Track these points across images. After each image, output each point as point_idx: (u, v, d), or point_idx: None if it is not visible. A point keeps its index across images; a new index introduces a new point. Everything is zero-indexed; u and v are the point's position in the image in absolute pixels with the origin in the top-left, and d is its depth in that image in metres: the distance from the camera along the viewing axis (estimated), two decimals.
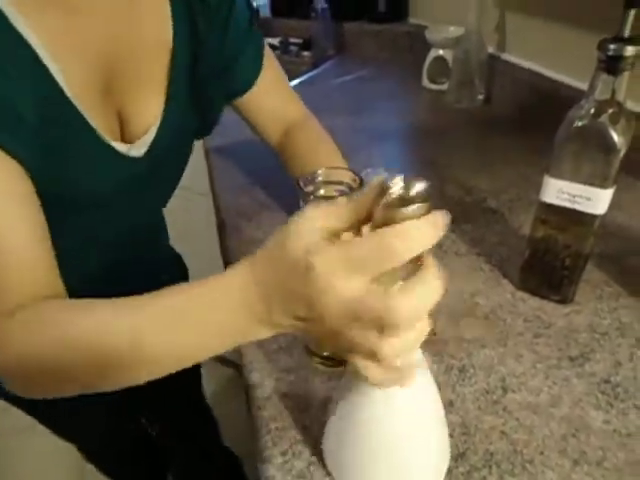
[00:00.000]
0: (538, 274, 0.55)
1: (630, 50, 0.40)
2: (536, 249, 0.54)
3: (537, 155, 0.85)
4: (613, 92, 0.42)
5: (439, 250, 0.64)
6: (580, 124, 0.45)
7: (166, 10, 0.49)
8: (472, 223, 0.69)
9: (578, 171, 0.46)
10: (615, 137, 0.43)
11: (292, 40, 1.54)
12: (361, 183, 0.41)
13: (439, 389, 0.45)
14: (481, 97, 1.09)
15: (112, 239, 0.56)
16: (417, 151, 0.94)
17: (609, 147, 0.44)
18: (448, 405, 0.44)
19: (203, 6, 0.51)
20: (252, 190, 0.79)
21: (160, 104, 0.49)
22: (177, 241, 0.83)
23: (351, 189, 0.41)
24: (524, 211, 0.70)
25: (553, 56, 0.96)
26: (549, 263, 0.53)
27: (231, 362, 1.52)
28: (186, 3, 0.50)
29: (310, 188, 0.41)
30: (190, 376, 0.91)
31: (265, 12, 1.63)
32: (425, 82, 1.18)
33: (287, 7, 1.56)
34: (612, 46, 0.41)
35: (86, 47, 0.42)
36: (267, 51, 0.61)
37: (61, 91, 0.40)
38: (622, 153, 0.44)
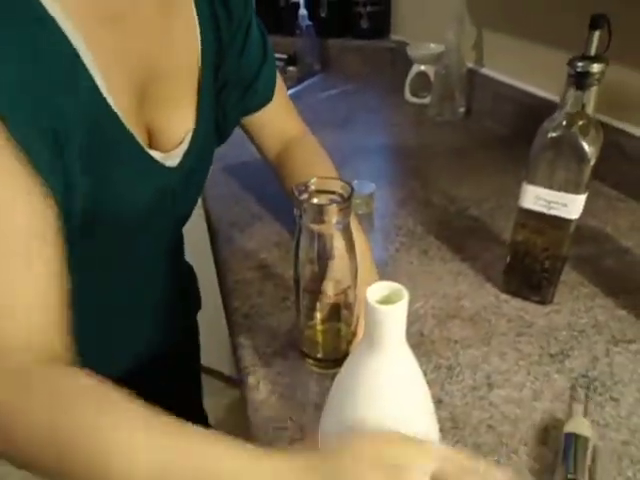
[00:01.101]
0: (519, 276, 0.58)
1: (596, 67, 0.44)
2: (517, 252, 0.57)
3: (516, 165, 0.89)
4: (583, 105, 0.46)
5: (425, 256, 0.67)
6: (554, 135, 0.48)
7: (195, 29, 0.50)
8: (456, 230, 0.72)
9: (553, 178, 0.50)
10: (586, 147, 0.47)
11: (278, 56, 1.57)
12: (352, 192, 0.44)
13: (429, 386, 0.48)
14: (462, 110, 1.13)
15: (143, 254, 0.57)
16: (402, 162, 0.97)
17: (581, 156, 0.47)
18: (438, 402, 0.47)
19: (228, 20, 0.53)
20: (245, 201, 0.82)
21: (191, 118, 0.50)
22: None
23: (343, 198, 0.43)
24: (505, 218, 0.74)
25: (528, 71, 1.01)
26: (529, 266, 0.56)
27: (233, 380, 1.52)
28: (213, 19, 0.51)
29: (304, 196, 0.43)
30: (192, 392, 0.92)
31: None
32: (407, 96, 1.22)
33: (273, 24, 1.60)
34: (580, 63, 0.44)
35: (125, 60, 0.43)
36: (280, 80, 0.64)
37: (105, 101, 0.41)
38: (592, 162, 0.47)
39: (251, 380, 0.50)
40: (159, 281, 0.63)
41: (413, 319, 0.56)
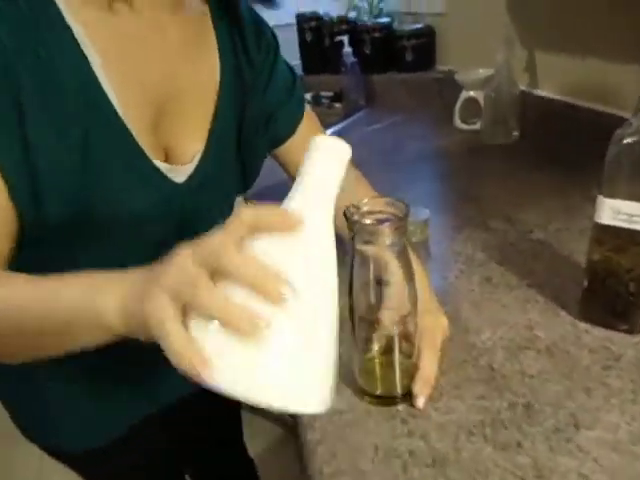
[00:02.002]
0: (600, 302, 0.52)
1: None
2: (596, 275, 0.51)
3: (578, 185, 0.83)
4: None
5: (488, 284, 0.62)
6: (630, 140, 0.44)
7: (215, 57, 0.52)
8: (520, 255, 0.67)
9: (633, 189, 0.44)
10: None
11: (324, 94, 1.60)
12: (407, 211, 0.41)
13: (504, 427, 0.42)
14: (516, 134, 1.08)
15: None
16: (455, 188, 0.93)
17: None
18: (516, 446, 0.41)
19: (248, 62, 0.55)
20: None
21: (203, 140, 0.51)
22: None
23: (397, 217, 0.41)
24: (574, 240, 0.68)
25: (583, 88, 0.96)
26: (612, 289, 0.50)
27: (280, 420, 1.48)
28: (233, 54, 0.54)
29: (356, 217, 0.40)
30: (232, 430, 0.89)
31: (297, 70, 1.71)
32: (457, 123, 1.19)
33: (319, 63, 1.64)
34: None
35: (143, 77, 0.45)
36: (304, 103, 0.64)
37: (115, 111, 0.43)
38: None
39: (305, 419, 0.46)
40: None
41: (480, 351, 0.51)
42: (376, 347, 0.47)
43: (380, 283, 0.44)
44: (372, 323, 0.45)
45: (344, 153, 0.34)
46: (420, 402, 0.45)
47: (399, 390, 0.46)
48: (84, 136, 0.41)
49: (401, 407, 0.46)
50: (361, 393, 0.48)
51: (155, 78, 0.47)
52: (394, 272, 0.43)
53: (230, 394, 0.26)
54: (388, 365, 0.47)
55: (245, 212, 0.30)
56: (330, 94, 1.59)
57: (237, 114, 0.55)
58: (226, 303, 0.27)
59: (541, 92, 1.07)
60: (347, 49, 1.48)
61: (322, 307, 0.30)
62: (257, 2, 0.56)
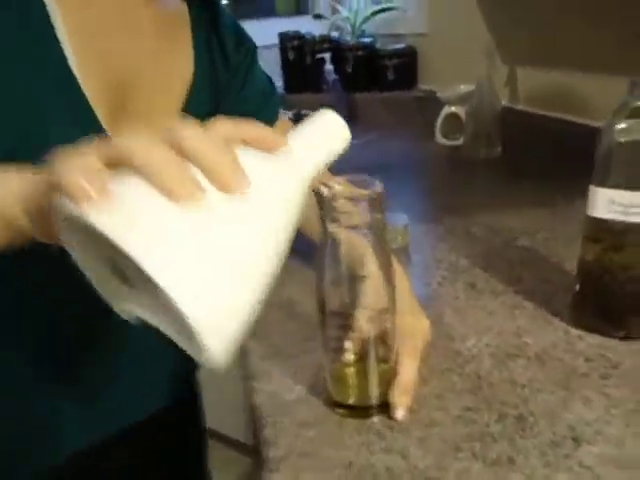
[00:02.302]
0: (594, 306, 0.48)
1: None
2: (589, 276, 0.47)
3: (564, 196, 0.80)
4: None
5: (473, 290, 0.58)
6: (626, 126, 0.41)
7: (189, 53, 0.51)
8: (506, 262, 0.63)
9: (630, 177, 0.41)
10: None
11: (305, 112, 1.58)
12: (383, 191, 0.37)
13: (495, 441, 0.37)
14: (499, 149, 1.07)
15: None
16: (438, 200, 0.90)
17: None
18: (508, 462, 0.36)
19: (224, 61, 0.54)
20: None
21: None
22: None
23: (372, 197, 0.36)
24: (563, 247, 0.64)
25: (564, 101, 0.95)
26: (606, 291, 0.46)
27: (250, 450, 1.38)
28: (208, 52, 0.53)
29: (326, 193, 0.36)
30: (193, 463, 0.80)
31: (279, 90, 1.70)
32: (439, 138, 1.18)
33: (301, 83, 1.63)
34: None
35: (105, 49, 0.43)
36: (282, 113, 0.62)
37: (69, 67, 0.40)
38: None
39: (268, 433, 0.40)
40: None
41: (466, 359, 0.46)
42: (350, 352, 0.42)
43: (355, 277, 0.39)
44: (345, 324, 0.40)
45: (345, 135, 0.32)
46: (399, 413, 0.40)
47: (375, 400, 0.41)
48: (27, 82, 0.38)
49: (377, 419, 0.40)
50: (332, 403, 0.42)
51: (118, 57, 0.44)
52: (370, 262, 0.38)
53: (108, 239, 0.20)
54: (363, 372, 0.41)
55: (223, 122, 0.26)
56: (311, 112, 1.57)
57: (209, 112, 0.52)
58: (168, 157, 0.22)
59: (522, 107, 1.07)
60: (329, 66, 1.47)
61: (267, 238, 0.25)
62: None
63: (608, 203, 0.42)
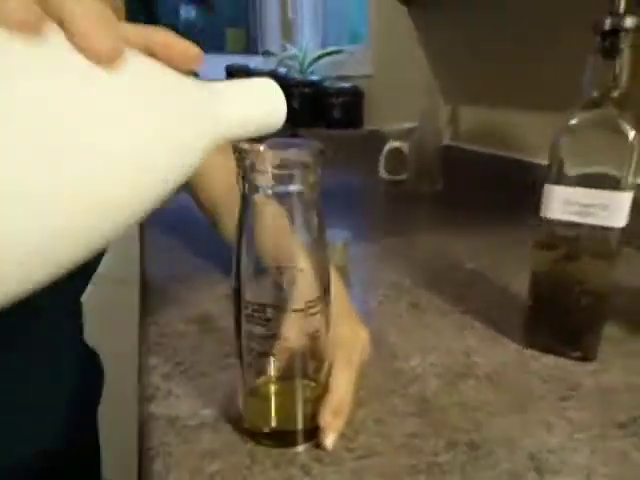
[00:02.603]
0: (547, 324, 0.43)
1: (629, 22, 0.35)
2: (541, 289, 0.43)
3: (506, 225, 0.79)
4: (614, 77, 0.36)
5: (416, 309, 0.52)
6: (578, 121, 0.38)
7: None
8: (452, 283, 0.58)
9: (585, 174, 0.38)
10: (626, 126, 0.36)
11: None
12: (320, 153, 0.31)
13: (443, 473, 0.30)
14: (440, 184, 1.06)
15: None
16: (381, 227, 0.86)
17: (620, 138, 0.36)
18: None
19: None
20: (185, 252, 0.67)
21: None
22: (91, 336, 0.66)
23: (306, 159, 0.30)
24: (509, 272, 0.61)
25: (503, 137, 0.97)
26: (560, 306, 0.42)
27: None
28: None
29: (245, 147, 0.29)
30: None
31: None
32: (382, 173, 1.16)
33: None
34: (609, 20, 0.35)
35: None
36: None
37: None
38: (636, 145, 0.36)
39: (157, 467, 0.31)
40: (35, 356, 0.46)
41: (410, 379, 0.39)
42: (273, 368, 0.34)
43: (281, 269, 0.32)
44: (267, 329, 0.32)
45: (282, 109, 0.27)
46: (329, 439, 0.32)
47: (300, 424, 0.33)
48: None
49: (302, 448, 0.32)
50: (245, 430, 0.33)
51: None
52: (300, 251, 0.32)
53: None
54: (287, 390, 0.34)
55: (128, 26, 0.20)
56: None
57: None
58: None
59: (464, 144, 1.08)
60: None
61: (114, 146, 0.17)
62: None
63: (563, 203, 0.39)
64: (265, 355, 0.32)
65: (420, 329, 0.48)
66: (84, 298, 0.56)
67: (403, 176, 1.12)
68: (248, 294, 0.31)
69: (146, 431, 0.34)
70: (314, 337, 0.33)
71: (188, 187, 0.59)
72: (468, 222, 0.83)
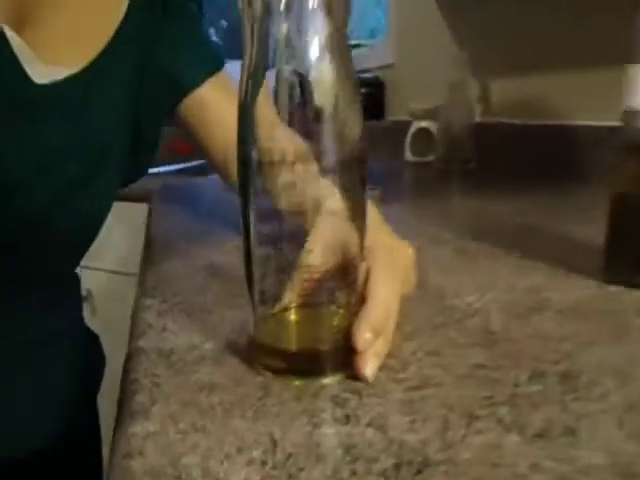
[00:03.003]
0: (633, 257, 0.34)
1: None
2: (624, 215, 0.34)
3: (553, 192, 0.70)
4: None
5: (463, 255, 0.43)
6: None
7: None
8: (499, 234, 0.50)
9: None
10: None
11: None
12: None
13: (533, 404, 0.21)
14: (473, 164, 0.98)
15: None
16: (414, 192, 0.78)
17: None
18: (565, 434, 0.20)
19: (163, 7, 0.47)
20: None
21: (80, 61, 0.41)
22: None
23: None
24: (565, 223, 0.52)
25: (539, 105, 0.89)
26: None
27: None
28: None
29: None
30: None
31: None
32: (408, 156, 1.09)
33: None
34: None
35: None
36: (226, 73, 0.52)
37: None
38: None
39: (140, 398, 0.23)
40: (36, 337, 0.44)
41: (466, 313, 0.31)
42: (291, 296, 0.26)
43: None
44: (290, 254, 0.25)
45: None
46: (369, 368, 0.23)
47: (327, 345, 0.24)
48: None
49: (331, 380, 0.24)
50: (258, 360, 0.25)
51: None
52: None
53: None
54: (309, 321, 0.26)
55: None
56: None
57: (135, 57, 0.45)
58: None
59: (496, 119, 1.00)
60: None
61: None
62: None
63: None
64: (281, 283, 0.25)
65: (471, 271, 0.39)
66: (92, 287, 0.51)
67: (431, 157, 1.04)
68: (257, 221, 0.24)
69: (131, 366, 0.26)
70: (346, 250, 0.25)
71: (196, 140, 0.53)
72: (508, 188, 0.74)
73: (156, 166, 1.37)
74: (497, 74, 1.00)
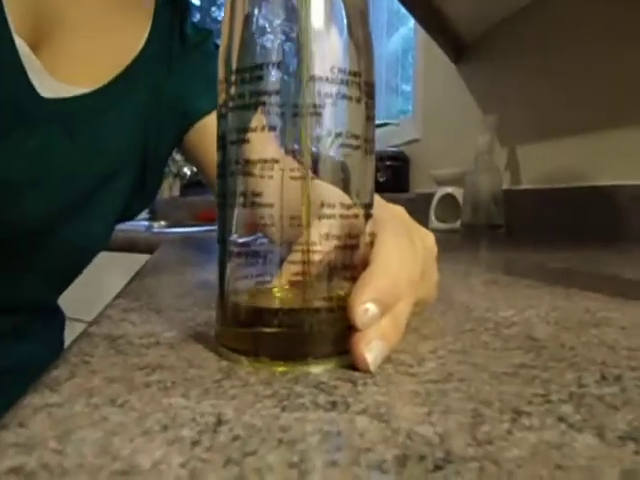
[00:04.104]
0: None
1: None
2: None
3: (592, 249, 0.64)
4: None
5: (495, 285, 0.37)
6: None
7: (144, 29, 0.45)
8: (537, 271, 0.43)
9: None
10: None
11: None
12: None
13: (608, 405, 0.14)
14: (502, 230, 0.93)
15: None
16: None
17: None
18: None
19: (181, 42, 0.48)
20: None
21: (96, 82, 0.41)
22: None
23: None
24: (608, 266, 0.45)
25: (567, 169, 0.85)
26: None
27: None
28: (168, 29, 0.47)
29: None
30: None
31: None
32: (433, 222, 1.04)
33: None
34: None
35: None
36: None
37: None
38: None
39: (56, 373, 0.17)
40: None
41: (502, 324, 0.24)
42: (284, 273, 0.20)
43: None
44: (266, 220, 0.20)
45: None
46: (371, 353, 0.17)
47: (319, 323, 0.18)
48: None
49: (319, 369, 0.18)
50: (222, 338, 0.19)
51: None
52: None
53: None
54: (297, 297, 0.20)
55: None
56: None
57: (153, 84, 0.45)
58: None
59: (524, 186, 0.96)
60: None
61: None
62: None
63: None
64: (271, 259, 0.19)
65: (506, 296, 0.33)
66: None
67: (456, 223, 1.00)
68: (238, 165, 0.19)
69: (66, 350, 0.21)
70: (352, 239, 0.20)
71: (201, 167, 0.50)
72: (542, 247, 0.68)
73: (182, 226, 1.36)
74: (524, 139, 0.98)
